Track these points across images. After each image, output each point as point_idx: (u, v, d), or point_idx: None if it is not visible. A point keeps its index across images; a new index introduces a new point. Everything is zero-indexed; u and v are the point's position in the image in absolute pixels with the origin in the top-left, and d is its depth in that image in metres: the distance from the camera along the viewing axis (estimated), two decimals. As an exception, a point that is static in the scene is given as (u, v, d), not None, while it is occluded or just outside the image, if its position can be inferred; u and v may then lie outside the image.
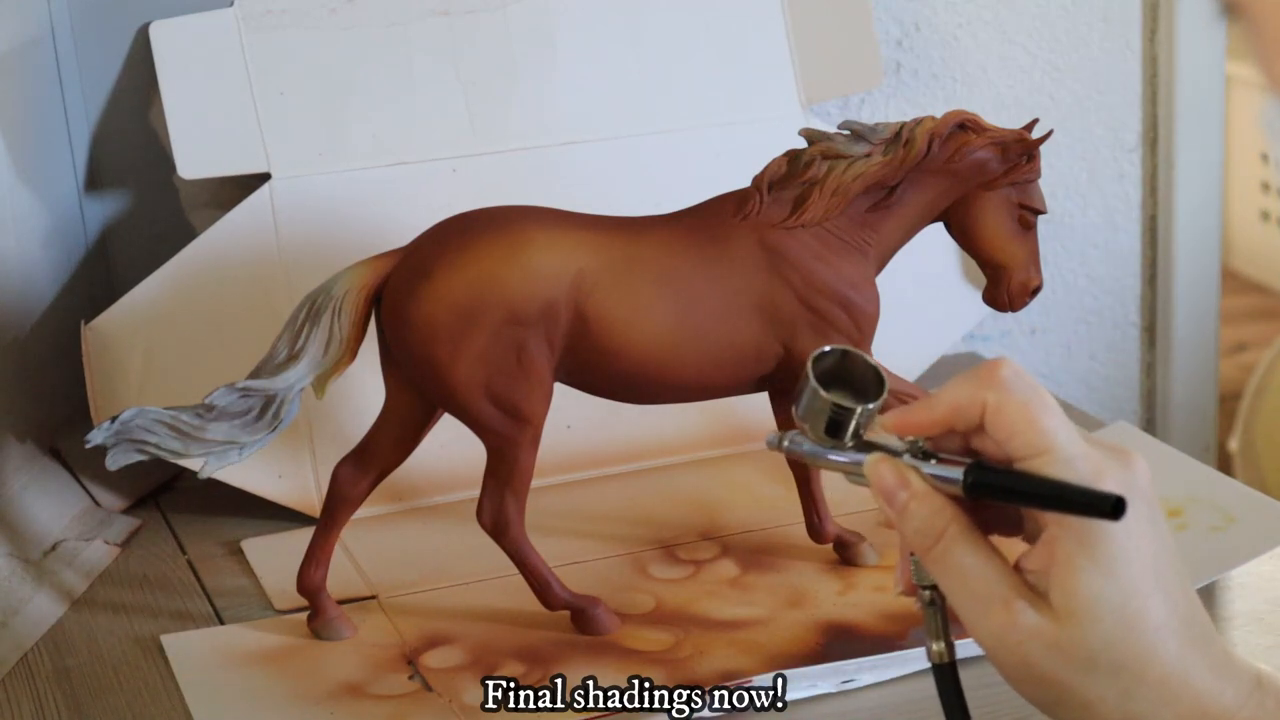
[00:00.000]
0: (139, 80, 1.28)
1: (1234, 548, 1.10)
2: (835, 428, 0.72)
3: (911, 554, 0.71)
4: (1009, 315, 1.44)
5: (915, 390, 1.07)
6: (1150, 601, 0.66)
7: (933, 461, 0.70)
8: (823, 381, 0.72)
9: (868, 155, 1.05)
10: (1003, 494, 0.68)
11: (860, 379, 0.72)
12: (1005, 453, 0.68)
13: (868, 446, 0.72)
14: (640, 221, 1.08)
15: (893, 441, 0.71)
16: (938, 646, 0.72)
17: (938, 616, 0.71)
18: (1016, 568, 0.68)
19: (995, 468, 0.68)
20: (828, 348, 0.73)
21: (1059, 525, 0.67)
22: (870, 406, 0.72)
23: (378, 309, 1.04)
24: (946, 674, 0.72)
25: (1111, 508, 0.64)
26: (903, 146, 1.05)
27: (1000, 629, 0.67)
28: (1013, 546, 0.71)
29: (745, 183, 1.07)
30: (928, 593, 0.71)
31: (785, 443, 0.75)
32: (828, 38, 1.37)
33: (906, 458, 0.70)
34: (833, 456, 0.73)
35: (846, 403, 0.71)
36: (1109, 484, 0.66)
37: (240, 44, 1.25)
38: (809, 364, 0.72)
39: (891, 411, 0.71)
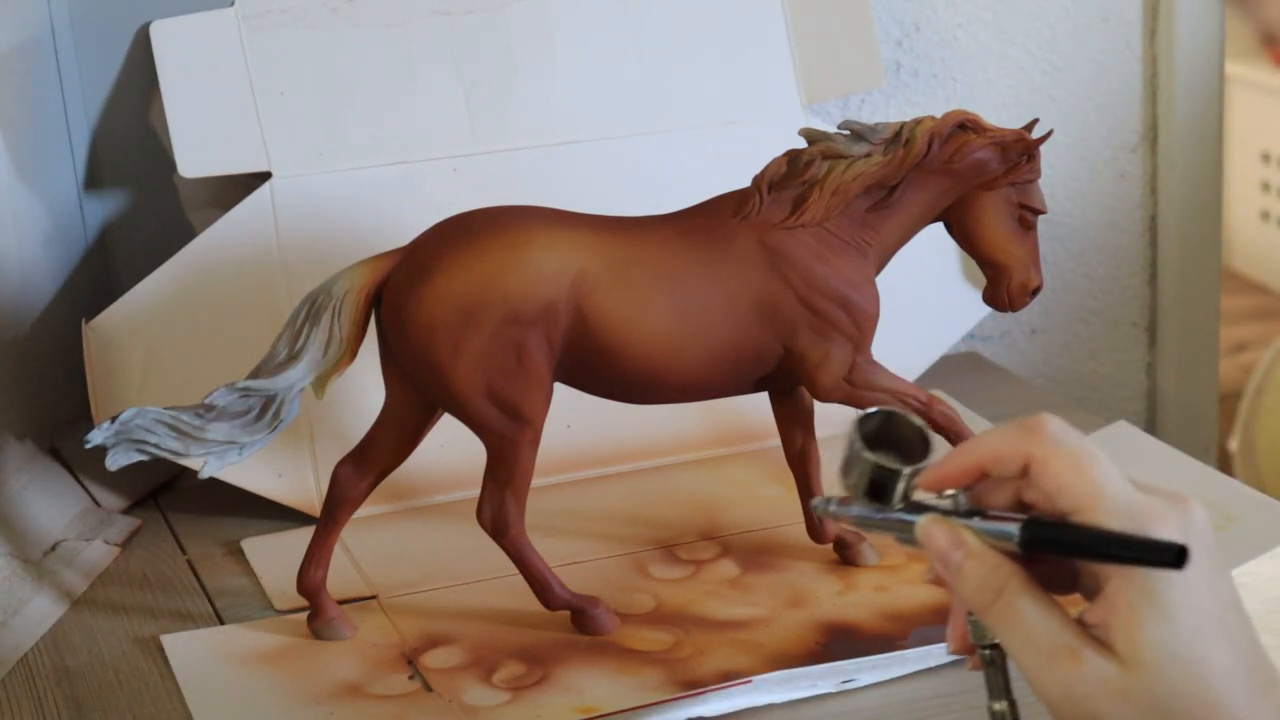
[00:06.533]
0: (139, 80, 1.28)
1: (1234, 548, 1.10)
2: (881, 490, 0.71)
3: (969, 614, 0.70)
4: (1009, 315, 1.44)
5: (916, 390, 1.07)
6: (1215, 649, 0.65)
7: (977, 519, 0.69)
8: (868, 444, 0.71)
9: (868, 155, 1.05)
10: (1060, 548, 0.67)
11: (906, 441, 0.71)
12: (1056, 507, 0.67)
13: (916, 508, 0.70)
14: (640, 221, 1.08)
15: (940, 503, 0.70)
16: (999, 706, 0.71)
17: (999, 675, 0.70)
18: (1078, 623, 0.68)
19: (1050, 522, 0.67)
20: (871, 410, 0.71)
21: (1120, 577, 0.66)
22: (919, 467, 0.70)
23: (378, 309, 1.04)
24: None
25: (1174, 557, 0.63)
26: (903, 146, 1.05)
27: (1067, 680, 0.66)
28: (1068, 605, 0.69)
29: (745, 183, 1.07)
30: (987, 651, 0.70)
31: (831, 507, 0.73)
32: (828, 38, 1.37)
33: (957, 518, 0.69)
34: (881, 519, 0.71)
35: (892, 464, 0.70)
36: (1167, 531, 0.65)
37: (240, 44, 1.25)
38: (853, 426, 0.71)
39: (924, 471, 0.70)
